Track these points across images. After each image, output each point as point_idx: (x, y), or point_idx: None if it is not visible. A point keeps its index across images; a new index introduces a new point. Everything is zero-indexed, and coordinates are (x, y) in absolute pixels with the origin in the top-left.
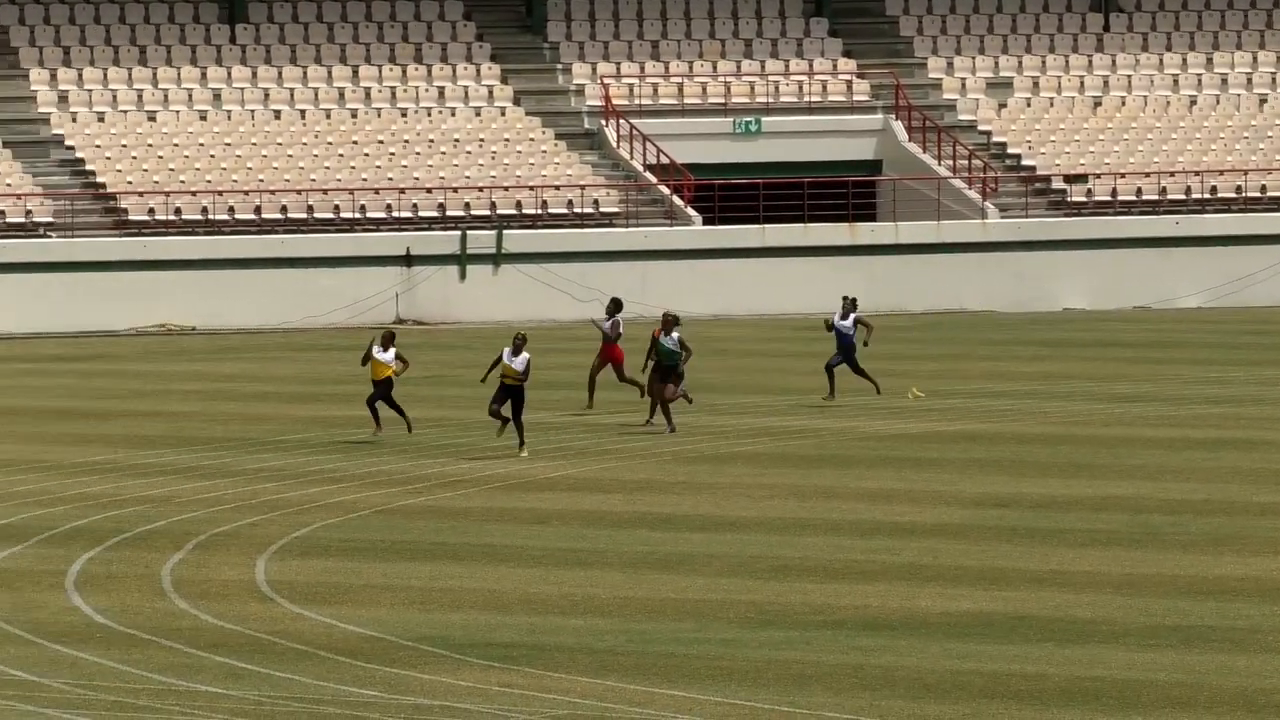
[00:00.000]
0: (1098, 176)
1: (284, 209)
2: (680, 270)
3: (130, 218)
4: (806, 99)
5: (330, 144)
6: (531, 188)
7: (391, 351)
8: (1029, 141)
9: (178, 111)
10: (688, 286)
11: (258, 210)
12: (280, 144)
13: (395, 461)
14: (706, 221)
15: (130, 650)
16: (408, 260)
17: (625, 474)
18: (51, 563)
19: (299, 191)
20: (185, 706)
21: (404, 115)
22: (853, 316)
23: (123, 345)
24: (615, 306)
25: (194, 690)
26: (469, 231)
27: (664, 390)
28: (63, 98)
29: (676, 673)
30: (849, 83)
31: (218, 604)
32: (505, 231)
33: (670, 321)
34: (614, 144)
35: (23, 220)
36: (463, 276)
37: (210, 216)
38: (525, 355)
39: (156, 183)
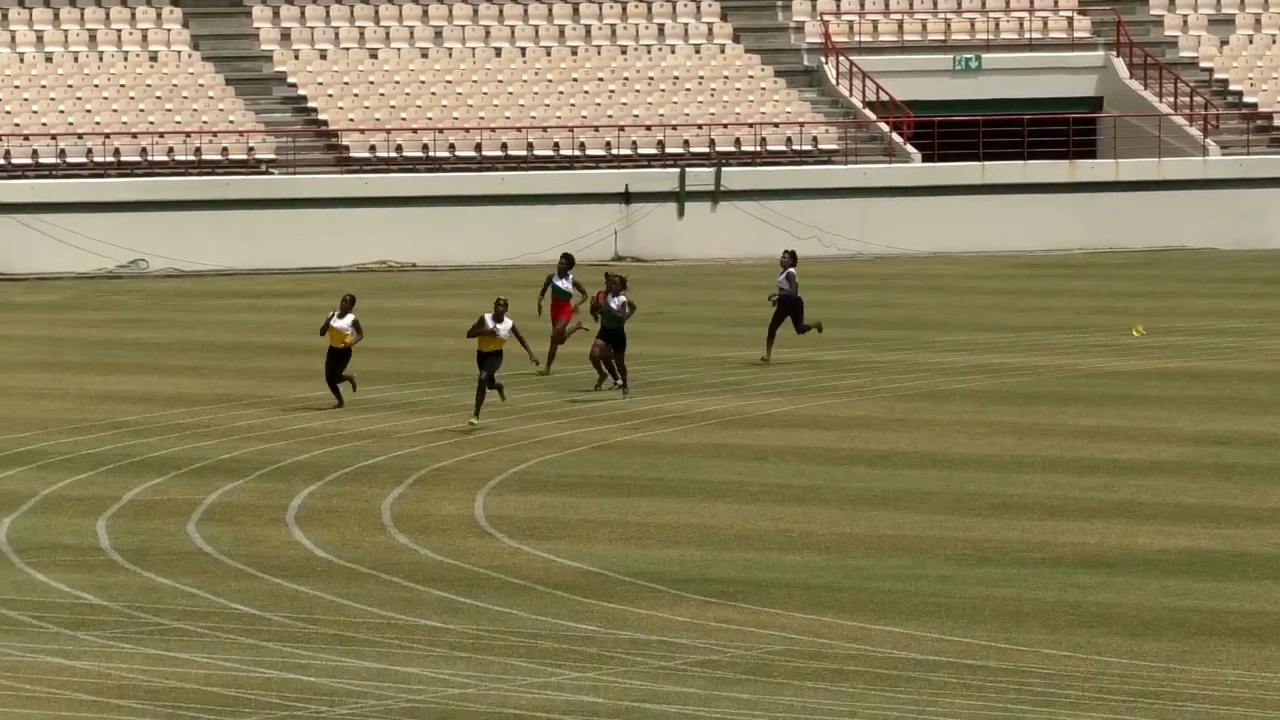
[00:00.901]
0: None
1: (504, 146)
2: (899, 207)
3: (351, 155)
4: (1027, 36)
5: (550, 81)
6: (750, 125)
7: (349, 319)
8: (1250, 79)
9: (399, 49)
10: (906, 223)
11: (478, 147)
12: (501, 81)
13: (613, 398)
14: (926, 158)
15: (350, 584)
16: (626, 198)
17: (843, 410)
18: (273, 497)
19: (519, 129)
20: (404, 640)
21: (623, 53)
22: (790, 270)
23: (343, 282)
24: (566, 263)
25: (413, 624)
26: (687, 169)
27: (604, 350)
28: (285, 35)
29: (893, 609)
30: (1070, 19)
31: (436, 539)
32: (724, 169)
33: (617, 283)
34: (833, 81)
35: (245, 157)
36: (681, 214)
37: (430, 154)
38: (508, 322)
39: (378, 120)
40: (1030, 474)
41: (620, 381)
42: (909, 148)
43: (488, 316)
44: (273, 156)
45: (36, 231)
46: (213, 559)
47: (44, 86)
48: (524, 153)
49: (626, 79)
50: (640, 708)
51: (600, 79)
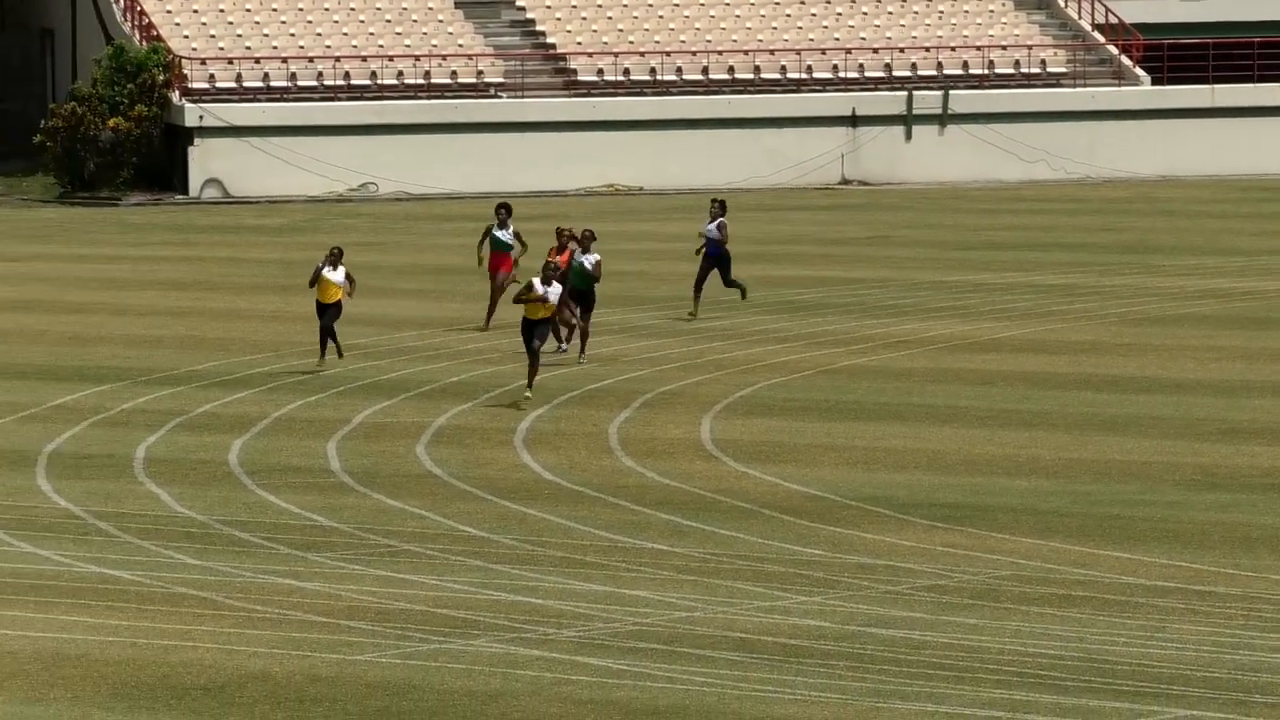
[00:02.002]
0: None
1: (730, 69)
2: (1128, 131)
3: (579, 79)
4: None
5: (777, 4)
6: (978, 48)
7: (341, 270)
8: None
9: None
10: (1136, 147)
11: (705, 71)
12: (728, 4)
13: (839, 322)
14: (1155, 82)
15: (577, 507)
16: (853, 121)
17: (1070, 335)
18: (501, 420)
19: (746, 52)
20: (631, 563)
21: None
22: (720, 220)
23: (571, 205)
24: (505, 213)
25: (639, 547)
26: (914, 92)
27: (569, 313)
28: None
29: (1120, 534)
30: None
31: (663, 462)
32: (951, 92)
33: (588, 238)
34: (1061, 3)
35: (474, 81)
36: (908, 137)
37: (658, 77)
38: (557, 287)
39: (605, 44)
40: (1261, 399)
41: (564, 346)
42: (1138, 71)
43: (536, 281)
44: (501, 80)
45: (267, 155)
46: (442, 481)
47: (275, 10)
48: (751, 76)
49: (854, 1)
50: (866, 632)
51: (828, 2)
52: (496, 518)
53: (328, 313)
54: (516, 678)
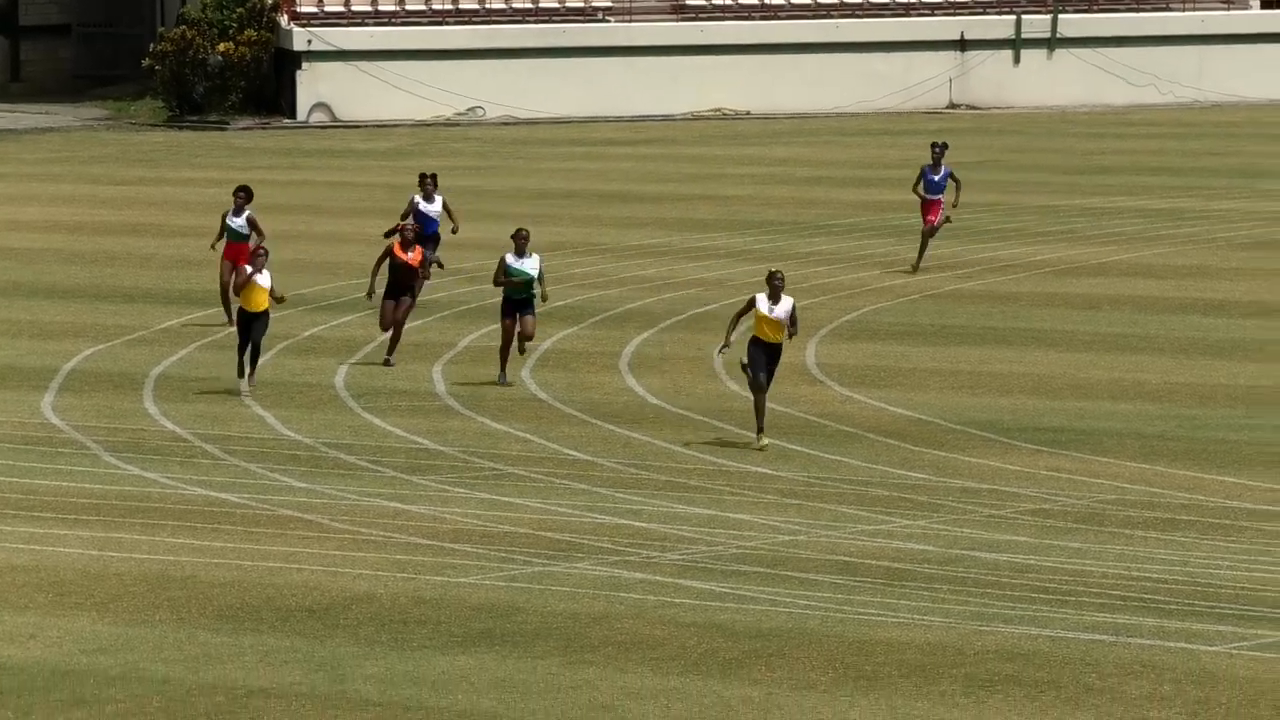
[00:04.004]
0: None
1: None
2: (1237, 54)
3: (687, 3)
4: None
5: None
6: None
7: (267, 276)
8: None
9: None
10: (1244, 71)
11: None
12: None
13: (946, 246)
14: (1264, 5)
15: (681, 431)
16: (961, 45)
17: (1177, 259)
18: (606, 344)
19: None
20: (735, 486)
21: None
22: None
23: (678, 129)
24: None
25: (744, 470)
26: (1024, 15)
27: (527, 327)
28: None
29: (1226, 458)
30: None
31: (768, 386)
32: (1060, 15)
33: (523, 239)
34: None
35: (582, 5)
36: (1016, 61)
37: (765, 1)
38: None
39: None
40: None
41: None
42: None
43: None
44: (609, 4)
45: (375, 78)
46: (547, 405)
47: None
48: (858, 0)
49: None
50: (971, 555)
51: None
52: (600, 441)
53: (254, 326)
54: (620, 600)
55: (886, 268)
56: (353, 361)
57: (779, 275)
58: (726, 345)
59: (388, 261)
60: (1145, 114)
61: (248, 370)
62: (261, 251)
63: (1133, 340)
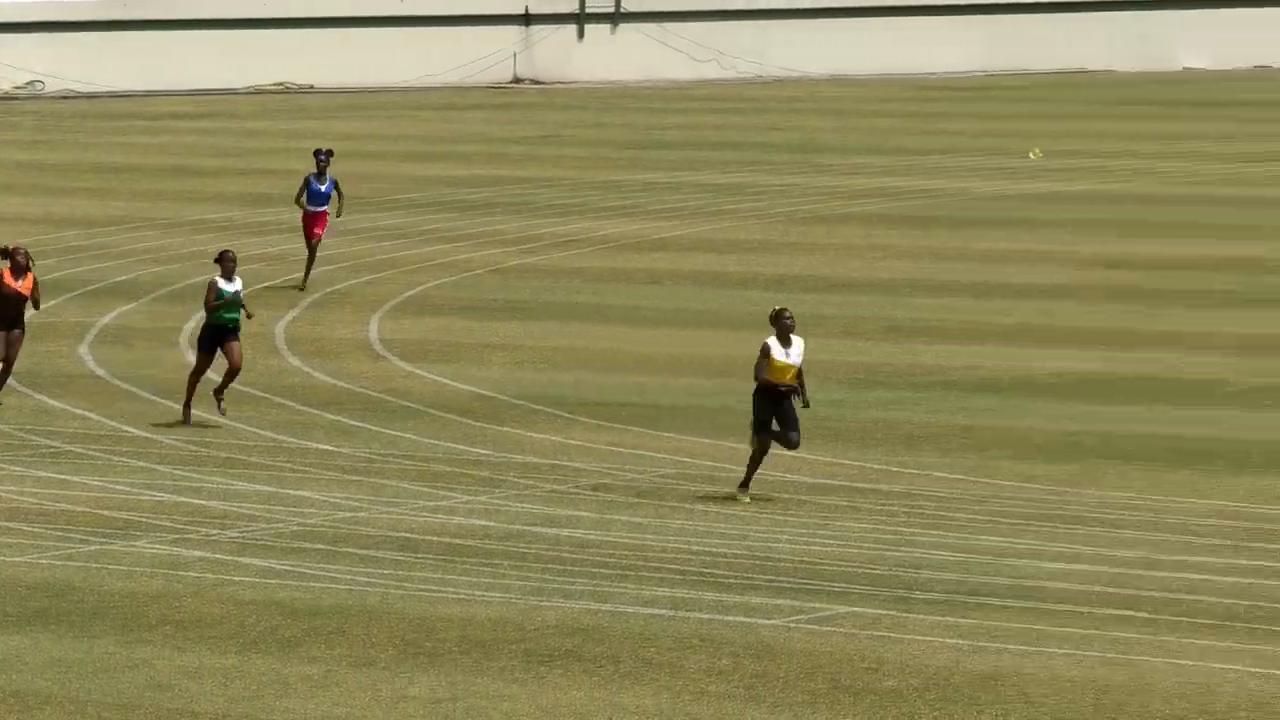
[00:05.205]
0: None
1: None
2: (798, 30)
3: None
4: None
5: None
6: None
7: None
8: None
9: None
10: (805, 47)
11: None
12: None
13: (509, 221)
14: None
15: (243, 407)
16: (526, 19)
17: (739, 234)
18: (166, 319)
19: None
20: (297, 463)
21: None
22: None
23: (240, 103)
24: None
25: (305, 447)
26: None
27: (236, 357)
28: None
29: None
30: None
31: (330, 362)
32: None
33: (230, 261)
34: None
35: None
36: (580, 36)
37: None
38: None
39: None
40: (925, 298)
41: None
42: None
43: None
44: None
45: None
46: (105, 381)
47: None
48: None
49: None
50: (532, 531)
51: None
52: (161, 417)
53: None
54: (178, 579)
55: (450, 241)
56: None
57: (788, 314)
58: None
59: None
60: (708, 89)
61: None
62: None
63: (695, 315)
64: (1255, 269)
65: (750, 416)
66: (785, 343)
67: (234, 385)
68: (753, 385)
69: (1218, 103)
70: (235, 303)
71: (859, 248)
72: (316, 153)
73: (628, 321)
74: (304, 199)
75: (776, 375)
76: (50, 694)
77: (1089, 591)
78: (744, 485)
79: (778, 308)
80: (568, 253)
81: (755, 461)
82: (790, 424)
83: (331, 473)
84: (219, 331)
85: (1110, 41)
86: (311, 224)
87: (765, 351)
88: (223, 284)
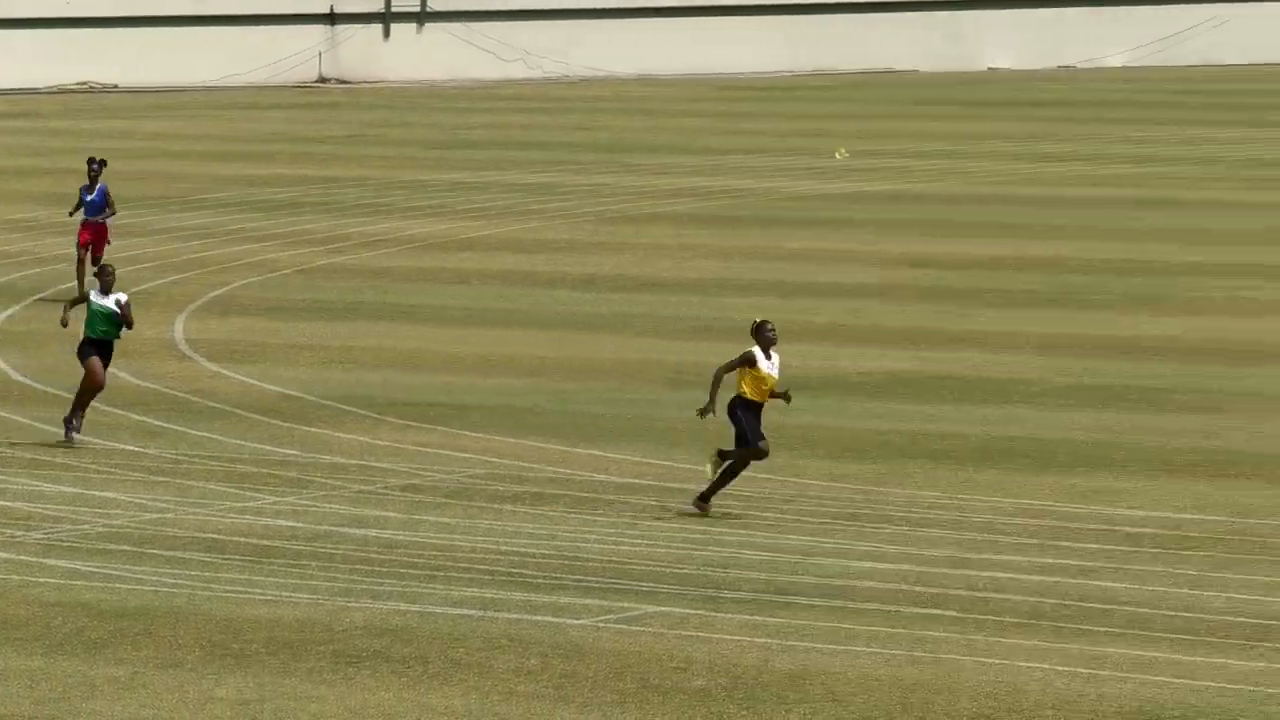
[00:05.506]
0: None
1: None
2: (605, 30)
3: None
4: None
5: None
6: None
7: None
8: None
9: None
10: (612, 46)
11: None
12: None
13: (316, 221)
14: None
15: (49, 408)
16: (331, 18)
17: (547, 234)
18: None
19: None
20: (102, 465)
21: None
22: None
23: (43, 103)
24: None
25: (111, 448)
26: None
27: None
28: None
29: (595, 432)
30: None
31: (135, 362)
32: None
33: (109, 277)
34: None
35: None
36: (386, 35)
37: None
38: (123, 295)
39: None
40: (734, 297)
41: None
42: None
43: (93, 293)
44: None
45: None
46: None
47: None
48: None
49: None
50: (339, 531)
51: None
52: None
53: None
54: None
55: (256, 241)
56: None
57: (770, 326)
58: (710, 410)
59: None
60: (514, 89)
61: None
62: None
63: (503, 315)
64: (1057, 269)
65: (719, 440)
66: (767, 354)
67: (38, 386)
68: (705, 396)
69: (1021, 103)
70: (108, 314)
71: (668, 247)
72: (89, 161)
73: (435, 321)
74: (79, 211)
75: (760, 387)
76: None
77: (896, 590)
78: (704, 498)
79: (759, 320)
80: (375, 252)
81: (734, 473)
82: (760, 434)
83: (137, 474)
84: (94, 345)
85: (916, 42)
86: (82, 233)
87: (750, 361)
88: (95, 297)
